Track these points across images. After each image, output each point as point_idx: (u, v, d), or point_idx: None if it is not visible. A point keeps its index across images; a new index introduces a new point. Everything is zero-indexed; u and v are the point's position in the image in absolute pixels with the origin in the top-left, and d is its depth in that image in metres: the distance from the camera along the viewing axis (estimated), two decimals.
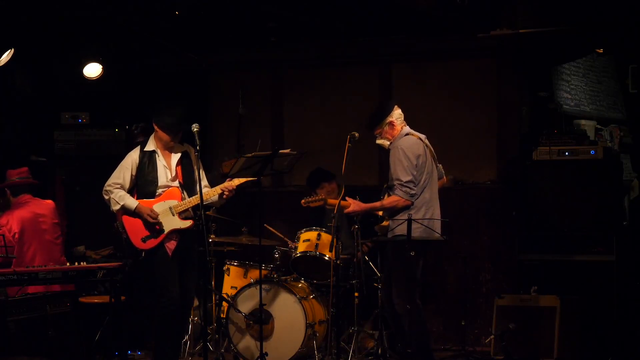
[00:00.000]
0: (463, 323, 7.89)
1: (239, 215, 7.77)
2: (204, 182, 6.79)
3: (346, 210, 6.72)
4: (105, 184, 6.65)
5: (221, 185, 6.62)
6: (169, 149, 6.69)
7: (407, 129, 6.70)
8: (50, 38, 7.92)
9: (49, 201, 7.23)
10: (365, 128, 6.78)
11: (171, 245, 6.57)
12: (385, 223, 6.61)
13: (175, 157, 6.70)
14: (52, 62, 8.27)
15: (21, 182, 7.10)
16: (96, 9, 7.64)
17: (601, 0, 7.46)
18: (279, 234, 7.81)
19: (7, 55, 7.25)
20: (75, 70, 8.12)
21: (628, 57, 8.84)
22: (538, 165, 7.87)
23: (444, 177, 6.95)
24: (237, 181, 6.63)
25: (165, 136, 6.63)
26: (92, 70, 8.12)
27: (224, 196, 6.63)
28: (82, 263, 6.58)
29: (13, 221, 6.93)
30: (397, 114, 6.69)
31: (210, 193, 6.64)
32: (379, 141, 6.75)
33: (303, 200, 7.05)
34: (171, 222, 6.57)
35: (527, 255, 7.83)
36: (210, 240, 7.34)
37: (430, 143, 6.77)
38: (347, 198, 6.75)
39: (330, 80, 8.98)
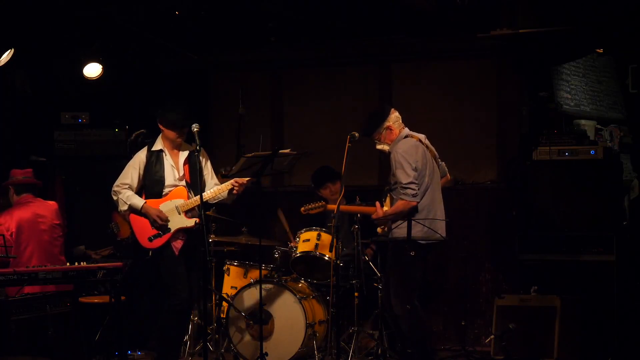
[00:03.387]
0: (463, 323, 7.89)
1: (239, 215, 7.77)
2: (214, 180, 6.84)
3: (373, 217, 6.65)
4: (114, 185, 6.70)
5: (231, 180, 6.63)
6: (176, 147, 6.73)
7: (405, 131, 6.68)
8: (50, 38, 7.92)
9: (52, 202, 7.24)
10: (362, 134, 6.76)
11: (178, 244, 6.61)
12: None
13: (183, 156, 6.75)
14: (52, 62, 8.26)
15: (25, 181, 7.12)
16: (96, 9, 7.64)
17: (601, 0, 7.46)
18: (285, 224, 7.81)
19: (7, 55, 7.25)
20: (75, 70, 8.12)
21: (628, 57, 8.84)
22: (538, 165, 7.86)
23: (447, 175, 6.94)
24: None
25: (171, 134, 6.66)
26: (92, 70, 8.13)
27: (234, 191, 6.64)
28: (82, 263, 6.58)
29: (11, 220, 6.95)
30: (394, 118, 6.67)
31: (222, 188, 6.66)
32: (378, 146, 6.74)
33: (302, 208, 7.05)
34: (177, 221, 6.61)
35: (527, 255, 7.82)
36: (210, 240, 7.34)
37: (430, 143, 6.77)
38: (377, 203, 6.69)
39: (330, 80, 8.98)
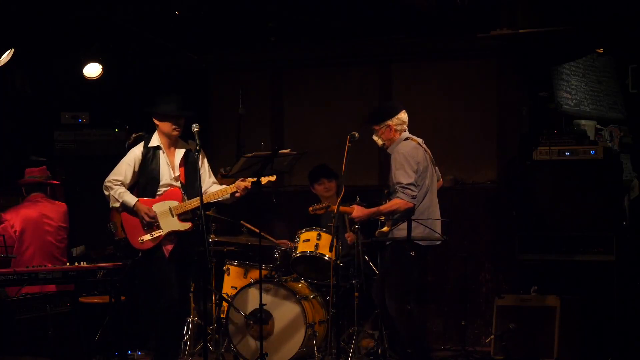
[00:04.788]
0: (463, 323, 7.88)
1: (239, 216, 7.77)
2: (212, 178, 6.77)
3: (350, 216, 6.71)
4: (106, 179, 6.58)
5: (235, 184, 6.55)
6: (173, 144, 6.62)
7: (406, 134, 6.69)
8: (50, 38, 7.92)
9: (62, 204, 7.23)
10: (366, 120, 6.75)
11: (169, 246, 6.52)
12: (385, 229, 6.60)
13: (179, 156, 6.63)
14: (52, 62, 8.27)
15: (30, 180, 7.13)
16: (96, 9, 7.64)
17: (601, 0, 7.46)
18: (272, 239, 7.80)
19: (7, 55, 7.25)
20: (75, 70, 8.12)
21: (628, 57, 8.84)
22: (538, 165, 7.86)
23: (441, 180, 6.96)
24: (250, 180, 6.55)
25: (166, 126, 6.53)
26: (92, 70, 8.13)
27: (237, 194, 6.56)
28: (82, 263, 6.58)
29: (17, 218, 6.97)
30: (397, 120, 6.64)
31: (223, 192, 6.55)
32: (374, 137, 6.76)
33: (310, 208, 7.02)
34: (170, 224, 6.51)
35: (527, 255, 7.83)
36: (210, 240, 7.33)
37: (430, 143, 6.78)
38: (354, 205, 6.74)
39: (330, 80, 8.98)
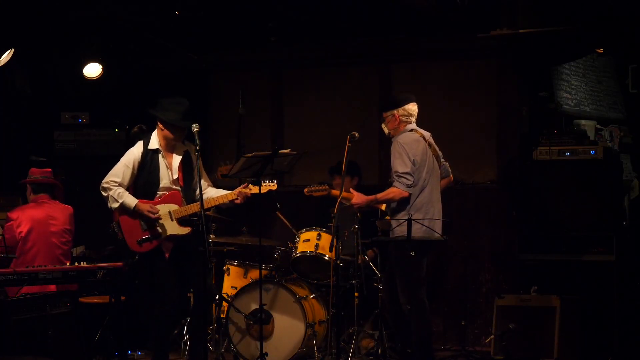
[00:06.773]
0: (463, 323, 7.89)
1: (239, 215, 7.76)
2: (207, 181, 6.73)
3: (350, 202, 6.72)
4: (104, 180, 6.51)
5: (236, 191, 6.52)
6: (171, 148, 6.58)
7: (412, 126, 6.71)
8: (50, 38, 7.93)
9: (68, 206, 7.23)
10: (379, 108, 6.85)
11: (168, 249, 6.49)
12: (388, 217, 6.63)
13: (178, 158, 6.58)
14: (52, 62, 8.27)
15: (43, 180, 7.12)
16: (96, 9, 7.64)
17: (601, 0, 7.46)
18: (286, 222, 7.79)
19: (7, 55, 7.26)
20: (75, 70, 8.12)
21: (628, 57, 8.84)
22: (538, 165, 7.87)
23: (450, 176, 6.94)
24: (254, 189, 6.54)
25: (169, 133, 6.49)
26: (92, 70, 8.14)
27: (236, 201, 6.54)
28: (82, 263, 6.57)
29: (23, 217, 6.96)
30: (403, 111, 6.67)
31: (225, 197, 6.52)
32: (382, 124, 6.82)
33: (306, 189, 7.03)
34: (170, 227, 6.47)
35: (527, 255, 7.83)
36: (210, 240, 7.32)
37: (434, 142, 6.78)
38: (350, 190, 6.78)
39: (330, 80, 8.98)
